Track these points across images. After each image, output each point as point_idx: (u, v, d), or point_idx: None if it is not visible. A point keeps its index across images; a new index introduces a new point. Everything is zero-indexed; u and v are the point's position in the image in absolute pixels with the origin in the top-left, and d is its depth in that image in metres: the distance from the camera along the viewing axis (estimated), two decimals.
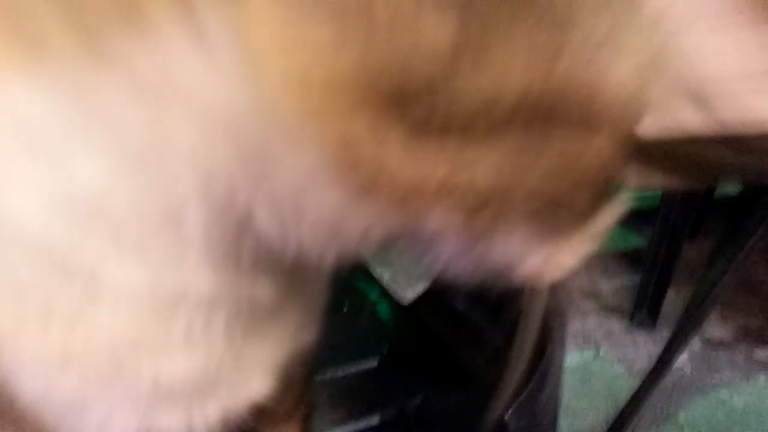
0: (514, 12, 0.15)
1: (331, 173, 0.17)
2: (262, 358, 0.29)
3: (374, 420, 0.61)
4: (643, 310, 1.53)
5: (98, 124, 0.18)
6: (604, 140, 0.19)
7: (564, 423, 0.75)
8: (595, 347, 1.45)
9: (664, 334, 1.50)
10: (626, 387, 1.38)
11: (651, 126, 0.26)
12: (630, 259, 1.71)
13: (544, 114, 0.17)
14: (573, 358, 1.41)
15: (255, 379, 0.30)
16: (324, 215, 0.20)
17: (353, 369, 0.66)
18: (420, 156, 0.17)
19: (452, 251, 0.22)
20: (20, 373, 0.23)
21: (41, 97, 0.17)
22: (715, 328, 1.58)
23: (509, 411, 0.60)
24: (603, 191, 0.23)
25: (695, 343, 1.52)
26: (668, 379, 1.41)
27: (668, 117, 0.26)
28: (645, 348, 1.46)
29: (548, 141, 0.17)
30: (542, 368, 0.60)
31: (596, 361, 1.39)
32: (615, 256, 1.75)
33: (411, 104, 0.16)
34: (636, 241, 1.79)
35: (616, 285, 1.66)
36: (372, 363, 0.67)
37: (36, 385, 0.24)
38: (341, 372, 0.65)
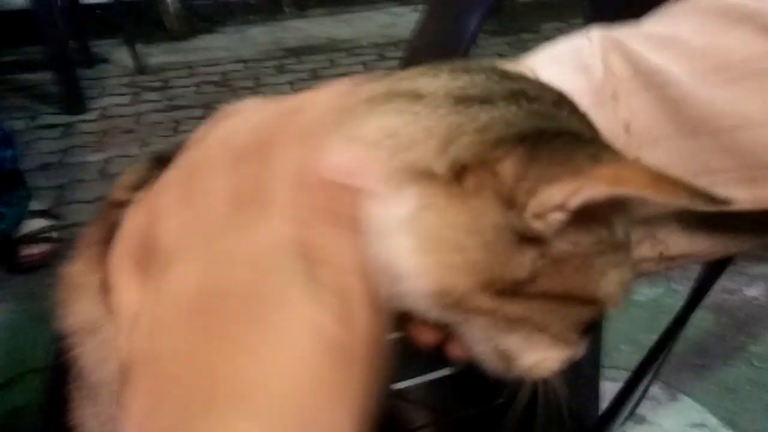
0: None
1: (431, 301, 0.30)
2: None
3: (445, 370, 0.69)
4: None
5: None
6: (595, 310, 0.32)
7: (633, 358, 0.80)
8: (666, 281, 1.47)
9: (738, 268, 1.50)
10: (697, 321, 1.41)
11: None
12: None
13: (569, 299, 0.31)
14: (644, 293, 1.44)
15: None
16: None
17: None
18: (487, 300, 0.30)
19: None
20: None
21: None
22: None
23: None
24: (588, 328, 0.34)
25: None
26: (742, 311, 1.43)
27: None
28: (719, 282, 1.47)
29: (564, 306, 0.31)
30: None
31: (667, 295, 1.42)
32: None
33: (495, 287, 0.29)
34: None
35: None
36: None
37: None
38: None
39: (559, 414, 0.33)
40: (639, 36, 0.37)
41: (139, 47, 2.79)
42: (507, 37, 3.06)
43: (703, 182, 0.33)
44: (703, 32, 0.35)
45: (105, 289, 0.31)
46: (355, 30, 3.27)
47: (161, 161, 0.34)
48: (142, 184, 0.33)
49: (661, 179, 0.27)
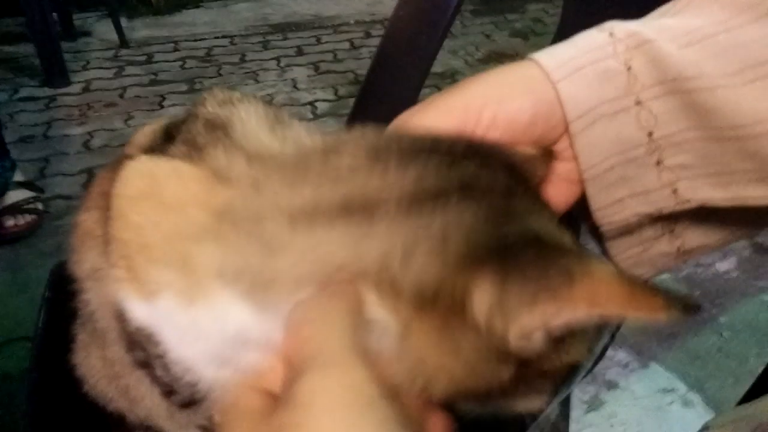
0: None
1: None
2: None
3: None
4: None
5: None
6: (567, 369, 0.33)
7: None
8: None
9: None
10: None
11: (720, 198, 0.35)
12: None
13: None
14: None
15: None
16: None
17: None
18: None
19: None
20: None
21: None
22: (766, 233, 1.60)
23: None
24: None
25: (744, 249, 1.55)
26: (713, 284, 1.48)
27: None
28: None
29: None
30: None
31: None
32: None
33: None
34: None
35: None
36: None
37: None
38: None
39: None
40: (664, 32, 0.36)
41: (123, 21, 2.77)
42: (493, 17, 3.07)
43: (722, 180, 0.35)
44: (728, 27, 0.35)
45: (107, 241, 0.32)
46: (341, 7, 3.26)
47: (170, 133, 0.35)
48: (151, 148, 0.34)
49: (636, 294, 0.27)
